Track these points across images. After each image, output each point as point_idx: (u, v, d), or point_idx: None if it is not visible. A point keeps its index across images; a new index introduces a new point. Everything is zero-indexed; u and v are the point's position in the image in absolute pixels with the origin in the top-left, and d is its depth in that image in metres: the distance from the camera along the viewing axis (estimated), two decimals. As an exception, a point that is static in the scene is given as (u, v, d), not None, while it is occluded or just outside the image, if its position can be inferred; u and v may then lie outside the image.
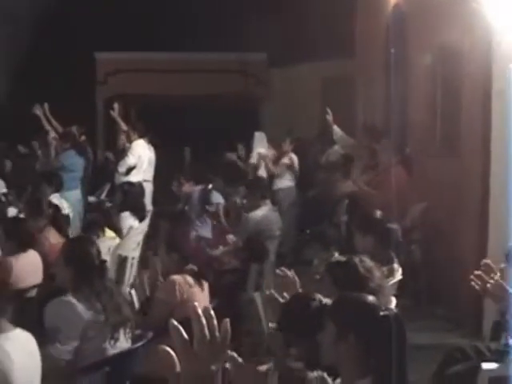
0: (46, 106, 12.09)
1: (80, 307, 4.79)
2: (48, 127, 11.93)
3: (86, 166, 11.73)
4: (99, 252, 5.25)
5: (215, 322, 1.95)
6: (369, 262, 4.56)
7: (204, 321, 1.92)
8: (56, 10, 19.16)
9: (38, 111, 12.04)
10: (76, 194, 11.05)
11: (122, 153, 11.87)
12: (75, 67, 18.64)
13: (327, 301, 3.85)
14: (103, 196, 12.93)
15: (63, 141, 11.45)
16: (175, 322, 1.93)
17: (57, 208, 8.55)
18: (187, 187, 12.45)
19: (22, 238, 6.34)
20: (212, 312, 1.94)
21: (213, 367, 1.92)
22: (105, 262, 5.34)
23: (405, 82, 10.63)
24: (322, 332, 3.38)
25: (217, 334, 1.94)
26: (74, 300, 4.81)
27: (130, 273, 8.12)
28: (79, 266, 4.95)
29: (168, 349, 1.92)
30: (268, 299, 4.76)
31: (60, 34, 18.98)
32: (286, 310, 4.03)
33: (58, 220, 7.57)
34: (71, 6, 18.91)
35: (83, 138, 11.92)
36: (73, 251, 5.12)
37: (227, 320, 1.98)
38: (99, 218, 8.56)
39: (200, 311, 1.93)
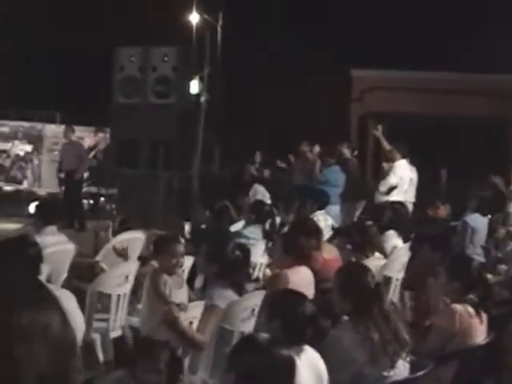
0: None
1: (358, 338, 4.72)
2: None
3: (347, 181, 11.87)
4: (373, 276, 5.17)
5: None
6: None
7: None
8: (312, 26, 19.53)
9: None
10: (336, 209, 11.18)
11: (383, 172, 11.88)
12: (332, 84, 18.90)
13: None
14: (358, 213, 12.96)
15: (330, 156, 11.65)
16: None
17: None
18: (443, 210, 12.17)
19: (298, 253, 6.41)
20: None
21: None
22: (379, 284, 5.24)
23: None
24: None
25: None
26: (352, 333, 4.75)
27: (393, 294, 8.04)
28: (356, 297, 4.85)
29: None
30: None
31: (317, 50, 19.31)
32: None
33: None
34: (325, 24, 19.23)
35: (356, 153, 12.07)
36: (347, 282, 5.02)
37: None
38: (363, 236, 8.48)
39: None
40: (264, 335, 3.10)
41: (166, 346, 4.33)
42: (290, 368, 2.85)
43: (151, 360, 4.22)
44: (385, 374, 4.73)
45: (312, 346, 4.17)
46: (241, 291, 5.78)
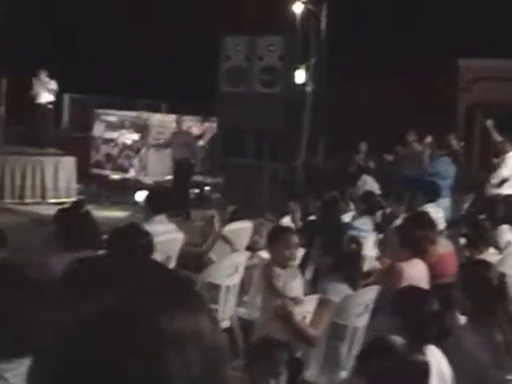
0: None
1: (480, 340, 4.51)
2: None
3: (456, 174, 11.61)
4: (497, 273, 4.94)
5: None
6: None
7: None
8: (419, 16, 19.17)
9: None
10: (446, 202, 10.92)
11: (495, 164, 11.55)
12: (439, 73, 18.54)
13: None
14: (466, 206, 12.63)
15: (439, 148, 11.43)
16: None
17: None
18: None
19: (415, 246, 6.22)
20: None
21: None
22: (504, 282, 5.00)
23: None
24: None
25: None
26: (473, 334, 4.53)
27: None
28: (479, 296, 4.61)
29: None
30: None
31: (424, 39, 18.95)
32: None
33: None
34: (433, 13, 18.84)
35: (462, 144, 11.77)
36: (469, 278, 4.79)
37: None
38: (477, 231, 8.20)
39: None
40: (396, 338, 2.93)
41: (285, 347, 4.13)
42: (425, 374, 2.68)
43: (270, 362, 3.97)
44: (509, 377, 4.52)
45: (435, 345, 4.01)
46: (355, 285, 5.63)
